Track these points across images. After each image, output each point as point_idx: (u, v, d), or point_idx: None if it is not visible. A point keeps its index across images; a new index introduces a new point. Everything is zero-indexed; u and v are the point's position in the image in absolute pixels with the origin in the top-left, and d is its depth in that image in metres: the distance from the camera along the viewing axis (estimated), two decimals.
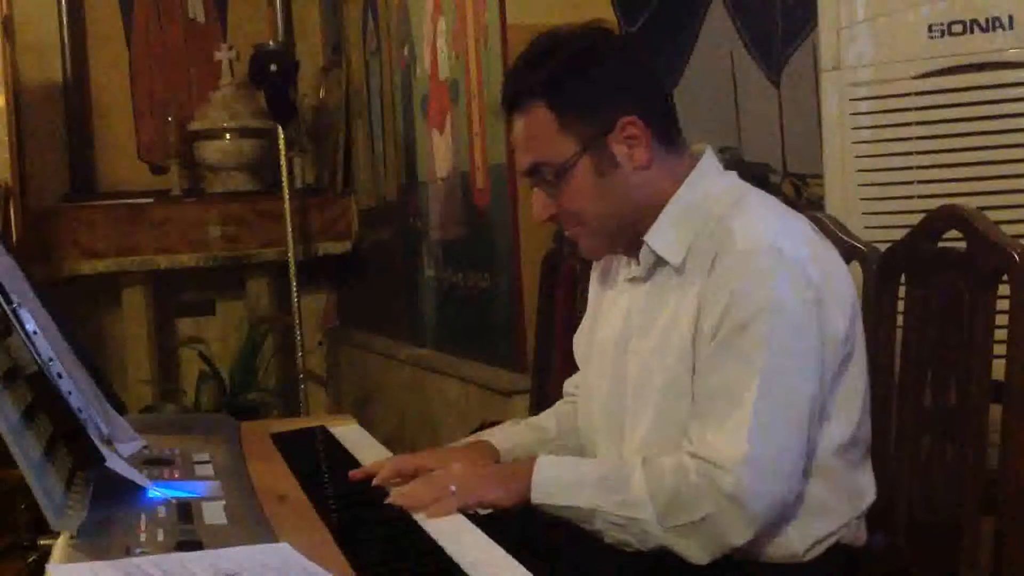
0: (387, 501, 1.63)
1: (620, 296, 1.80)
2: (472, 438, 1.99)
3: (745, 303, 1.57)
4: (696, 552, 1.57)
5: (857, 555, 1.72)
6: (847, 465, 1.67)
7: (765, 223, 1.64)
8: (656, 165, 1.70)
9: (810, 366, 1.58)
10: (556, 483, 1.64)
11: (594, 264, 1.93)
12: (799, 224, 1.69)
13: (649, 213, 1.70)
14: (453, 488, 1.62)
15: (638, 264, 1.74)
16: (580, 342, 1.95)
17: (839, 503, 1.66)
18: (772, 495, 1.55)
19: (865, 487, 1.71)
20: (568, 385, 2.05)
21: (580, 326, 1.97)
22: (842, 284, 1.66)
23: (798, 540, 1.63)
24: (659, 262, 1.71)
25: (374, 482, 1.75)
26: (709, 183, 1.72)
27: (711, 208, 1.68)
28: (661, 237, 1.69)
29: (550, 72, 1.68)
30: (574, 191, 1.70)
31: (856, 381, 1.67)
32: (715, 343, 1.59)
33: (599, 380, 1.81)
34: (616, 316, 1.79)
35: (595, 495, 1.61)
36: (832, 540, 1.66)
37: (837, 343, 1.62)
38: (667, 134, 1.72)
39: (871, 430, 1.73)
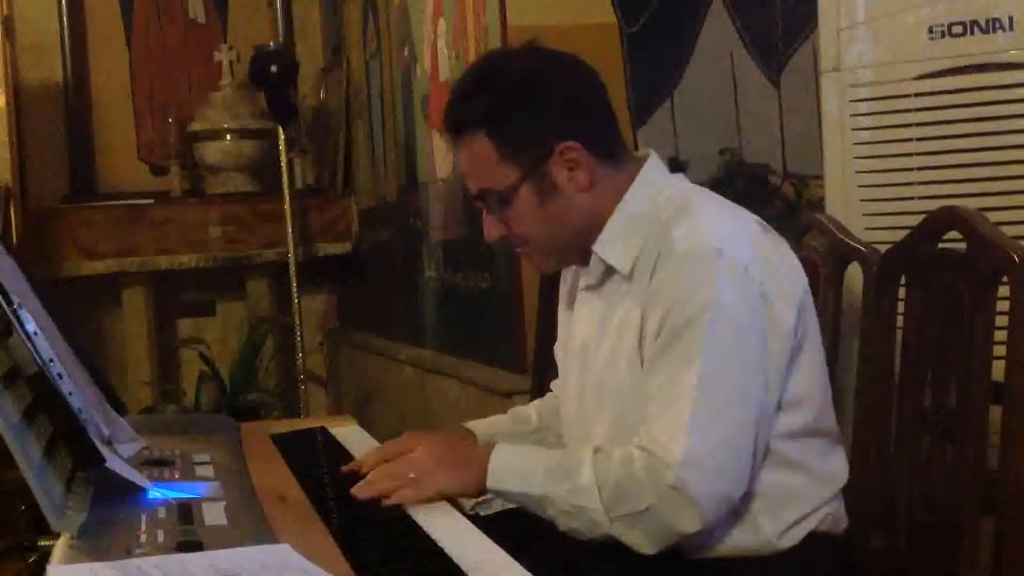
0: (352, 492, 1.65)
1: (582, 306, 1.83)
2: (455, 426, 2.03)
3: (685, 304, 1.59)
4: (642, 542, 1.59)
5: (841, 545, 1.73)
6: (811, 454, 1.69)
7: (707, 225, 1.66)
8: (599, 184, 1.72)
9: (753, 364, 1.60)
10: (510, 470, 1.66)
11: (562, 274, 1.95)
12: (744, 222, 1.71)
13: (596, 228, 1.73)
14: (412, 475, 1.65)
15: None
16: (558, 351, 1.99)
17: (807, 488, 1.68)
18: (717, 491, 1.57)
19: (835, 472, 1.73)
20: (554, 385, 2.08)
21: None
22: (790, 278, 1.69)
23: (770, 527, 1.65)
24: (609, 270, 1.74)
25: (363, 472, 1.76)
26: (655, 189, 1.74)
27: (659, 214, 1.70)
28: (609, 246, 1.73)
29: (489, 104, 1.70)
30: (518, 215, 1.73)
31: (810, 371, 1.69)
32: (658, 343, 1.62)
33: (568, 389, 1.86)
34: (578, 326, 1.83)
35: (546, 483, 1.63)
36: (808, 526, 1.68)
37: (785, 337, 1.64)
38: (609, 152, 1.74)
39: (871, 432, 1.73)
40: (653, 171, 1.76)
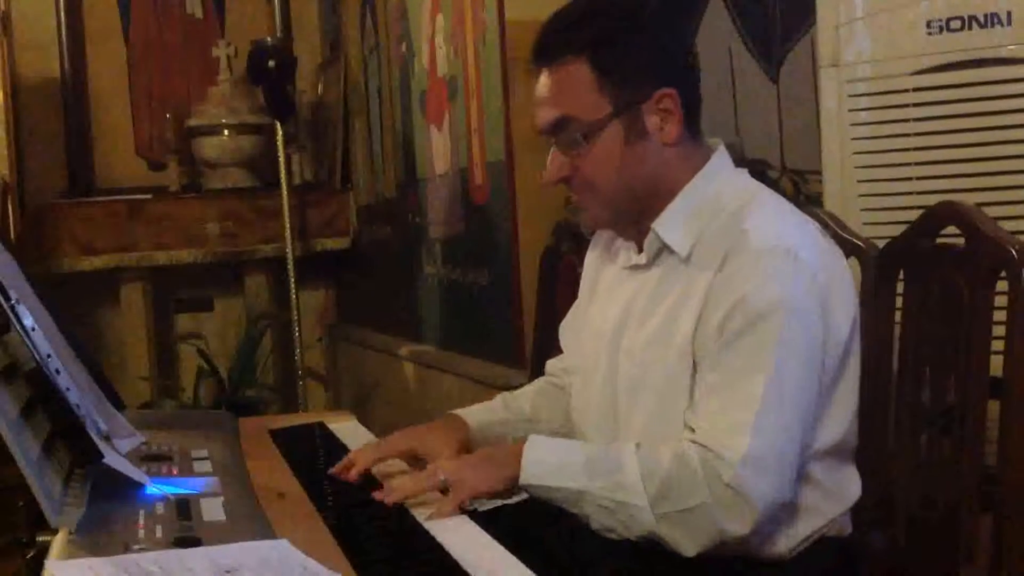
0: (376, 496, 1.60)
1: (619, 286, 1.78)
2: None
3: (757, 300, 1.56)
4: (685, 542, 1.55)
5: (844, 545, 1.71)
6: (830, 469, 1.67)
7: (779, 224, 1.64)
8: (680, 147, 1.69)
9: (814, 370, 1.58)
10: (545, 464, 1.61)
11: (589, 250, 1.92)
12: (810, 228, 1.68)
13: (660, 196, 1.69)
14: (442, 476, 1.60)
15: (639, 252, 1.73)
16: (569, 329, 1.95)
17: (824, 504, 1.66)
18: (771, 492, 1.54)
19: (850, 487, 1.71)
20: (551, 366, 2.04)
21: (570, 313, 1.96)
22: (847, 291, 1.66)
23: (784, 541, 1.63)
24: (664, 250, 1.70)
25: (354, 471, 1.74)
26: (723, 179, 1.71)
27: (723, 203, 1.67)
28: (670, 225, 1.68)
29: (600, 29, 1.66)
30: (597, 155, 1.67)
31: (849, 389, 1.67)
32: (724, 337, 1.57)
33: (592, 375, 1.79)
34: (613, 306, 1.77)
35: (585, 476, 1.58)
36: (816, 536, 1.66)
37: (837, 348, 1.62)
38: (695, 119, 1.71)
39: (869, 429, 1.73)
40: (724, 161, 1.73)
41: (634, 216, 1.72)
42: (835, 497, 1.68)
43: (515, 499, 1.73)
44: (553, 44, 1.68)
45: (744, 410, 1.53)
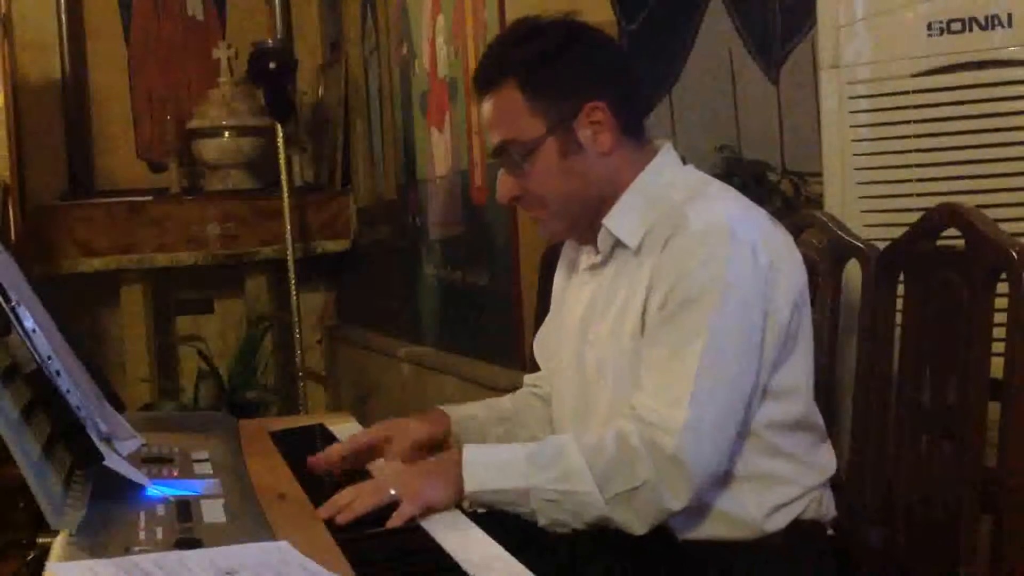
0: (322, 515, 1.55)
1: (583, 288, 1.84)
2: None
3: (695, 278, 1.61)
4: (635, 522, 1.60)
5: (825, 531, 1.76)
6: (803, 446, 1.73)
7: (721, 207, 1.70)
8: (619, 152, 1.75)
9: (753, 345, 1.63)
10: (486, 467, 1.63)
11: (558, 267, 1.98)
12: (756, 213, 1.74)
13: (609, 198, 1.76)
14: (393, 492, 1.58)
15: (597, 252, 1.79)
16: (543, 341, 2.01)
17: (795, 474, 1.71)
18: (709, 464, 1.59)
19: (824, 462, 1.77)
20: (528, 379, 2.09)
21: (542, 328, 2.03)
22: (792, 272, 1.70)
23: (755, 506, 1.67)
24: (617, 245, 1.76)
25: (327, 461, 1.79)
26: (671, 173, 1.78)
27: (672, 195, 1.73)
28: (619, 220, 1.75)
29: (524, 54, 1.74)
30: (538, 172, 1.75)
31: (802, 365, 1.72)
32: (662, 314, 1.63)
33: (566, 370, 1.85)
34: (578, 307, 1.84)
35: (528, 473, 1.61)
36: (793, 511, 1.70)
37: (778, 327, 1.66)
38: (633, 124, 1.78)
39: (869, 429, 1.74)
40: (669, 158, 1.80)
41: (588, 221, 1.79)
42: (807, 467, 1.73)
43: None
44: (488, 71, 1.79)
45: (681, 384, 1.58)
